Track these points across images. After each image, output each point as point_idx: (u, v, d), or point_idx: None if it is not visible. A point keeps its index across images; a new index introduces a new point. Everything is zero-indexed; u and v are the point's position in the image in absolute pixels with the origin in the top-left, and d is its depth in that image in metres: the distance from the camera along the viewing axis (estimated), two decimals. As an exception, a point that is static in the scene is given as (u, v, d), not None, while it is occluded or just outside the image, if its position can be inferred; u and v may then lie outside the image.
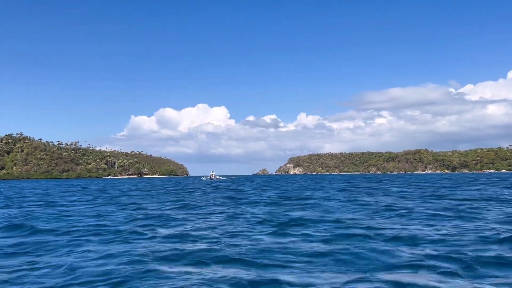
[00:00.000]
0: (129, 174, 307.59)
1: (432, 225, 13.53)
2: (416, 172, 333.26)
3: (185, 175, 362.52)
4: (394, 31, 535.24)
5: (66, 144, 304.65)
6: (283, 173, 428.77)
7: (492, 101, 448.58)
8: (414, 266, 8.14)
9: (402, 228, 12.89)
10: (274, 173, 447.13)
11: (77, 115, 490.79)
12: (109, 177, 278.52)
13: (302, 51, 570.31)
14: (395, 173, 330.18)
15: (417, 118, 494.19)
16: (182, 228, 14.03)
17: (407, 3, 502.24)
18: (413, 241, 10.70)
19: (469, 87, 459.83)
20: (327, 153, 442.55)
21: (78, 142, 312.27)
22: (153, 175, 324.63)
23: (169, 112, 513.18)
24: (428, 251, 9.50)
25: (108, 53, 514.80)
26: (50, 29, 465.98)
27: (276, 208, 20.69)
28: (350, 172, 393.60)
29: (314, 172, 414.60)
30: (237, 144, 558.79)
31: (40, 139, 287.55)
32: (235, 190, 45.38)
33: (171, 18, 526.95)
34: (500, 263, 8.34)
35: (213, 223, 15.22)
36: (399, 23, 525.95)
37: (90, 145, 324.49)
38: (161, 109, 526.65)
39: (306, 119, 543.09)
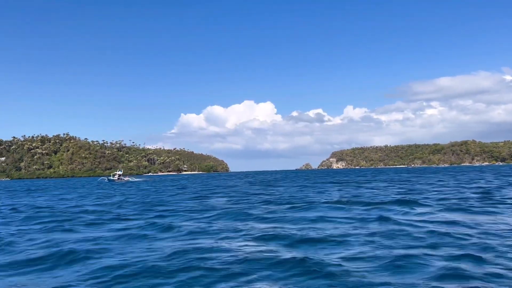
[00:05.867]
0: (169, 171, 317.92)
1: None
2: (462, 164, 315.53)
3: (225, 171, 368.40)
4: (439, 17, 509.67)
5: (111, 143, 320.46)
6: (326, 167, 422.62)
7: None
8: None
9: None
10: (317, 167, 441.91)
11: (131, 114, 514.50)
12: (149, 174, 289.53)
13: (347, 44, 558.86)
14: (441, 166, 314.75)
15: (469, 108, 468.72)
16: None
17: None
18: None
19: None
20: (371, 146, 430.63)
21: (122, 140, 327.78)
22: (192, 171, 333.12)
23: (216, 110, 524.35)
24: None
25: (157, 52, 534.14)
26: (99, 29, 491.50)
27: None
28: (395, 165, 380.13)
29: (357, 166, 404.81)
30: (283, 139, 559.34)
31: (86, 138, 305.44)
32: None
33: (219, 17, 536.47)
34: None
35: None
36: (443, 9, 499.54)
37: (134, 143, 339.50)
38: (209, 107, 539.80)
39: (353, 112, 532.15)
